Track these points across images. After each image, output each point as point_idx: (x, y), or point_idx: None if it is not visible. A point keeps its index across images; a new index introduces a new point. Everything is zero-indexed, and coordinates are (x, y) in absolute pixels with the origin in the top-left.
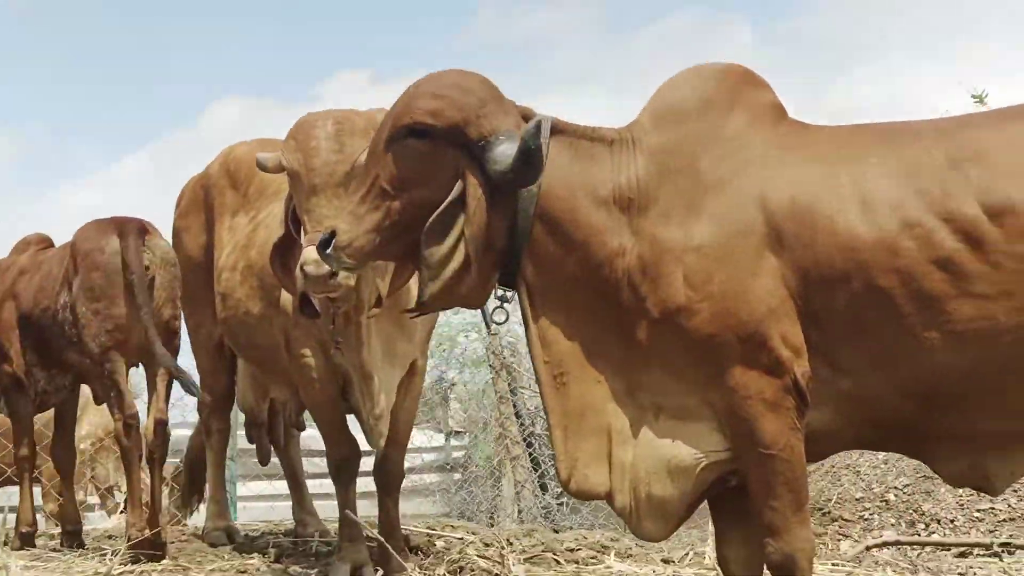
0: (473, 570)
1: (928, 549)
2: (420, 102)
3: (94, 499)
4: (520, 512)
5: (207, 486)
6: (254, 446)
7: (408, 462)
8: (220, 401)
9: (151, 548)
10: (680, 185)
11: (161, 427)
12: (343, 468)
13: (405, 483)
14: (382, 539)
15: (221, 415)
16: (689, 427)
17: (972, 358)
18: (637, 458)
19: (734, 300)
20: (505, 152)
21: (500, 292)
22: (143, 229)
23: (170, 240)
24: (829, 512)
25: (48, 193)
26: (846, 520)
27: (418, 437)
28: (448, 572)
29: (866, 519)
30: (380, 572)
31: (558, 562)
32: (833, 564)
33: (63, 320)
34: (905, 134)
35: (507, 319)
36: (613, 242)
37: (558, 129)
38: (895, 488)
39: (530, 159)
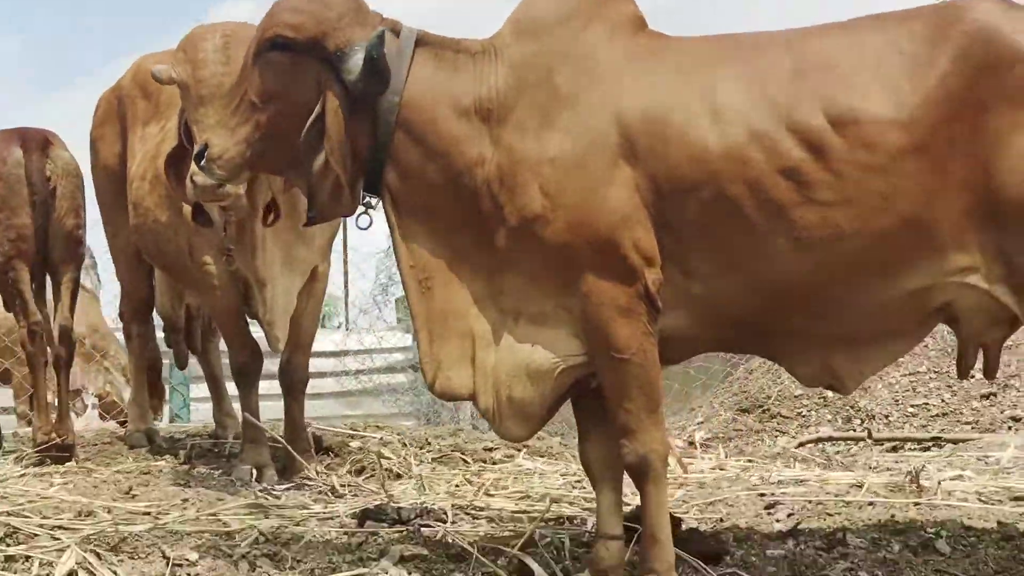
0: (375, 469)
1: (860, 444)
2: (282, 16)
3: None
4: (472, 414)
5: (131, 389)
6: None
7: (365, 362)
8: (139, 306)
9: (58, 451)
10: (537, 97)
11: (66, 334)
12: (244, 373)
13: (367, 384)
14: (283, 441)
15: (141, 320)
16: (547, 332)
17: (816, 264)
18: (499, 361)
19: (587, 210)
20: (357, 62)
21: (366, 199)
22: (46, 140)
23: (88, 150)
24: (768, 409)
25: (51, 92)
26: (784, 417)
27: (392, 338)
28: (350, 472)
29: (804, 416)
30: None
31: (466, 461)
32: (748, 461)
33: None
34: (758, 44)
35: (371, 224)
36: (473, 151)
37: (424, 41)
38: None
39: (374, 68)
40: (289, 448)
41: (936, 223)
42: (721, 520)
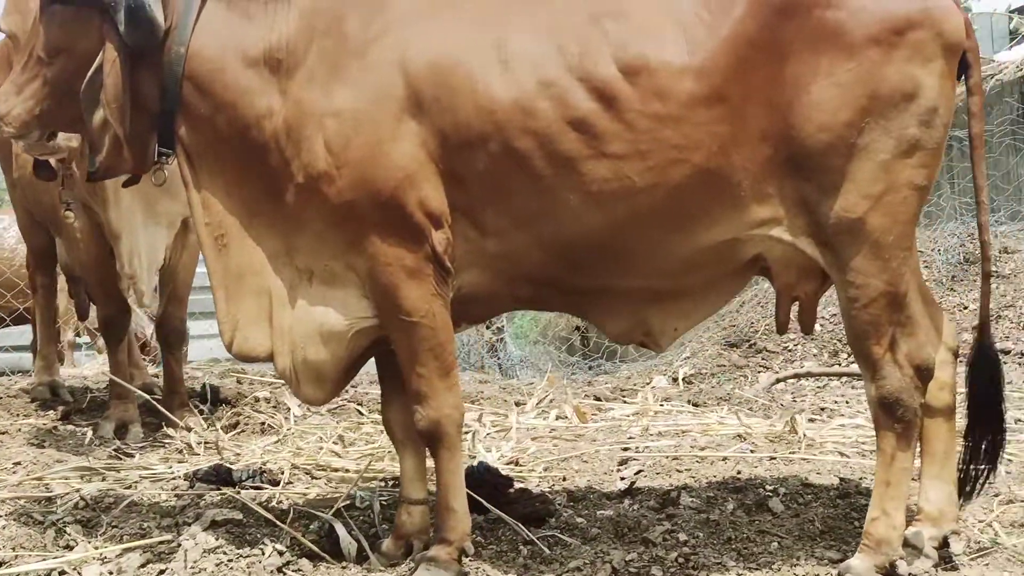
0: (250, 419)
1: (842, 380)
2: None
3: (84, 339)
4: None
5: (39, 341)
6: None
7: None
8: (41, 257)
9: None
10: (326, 47)
11: None
12: (110, 327)
13: None
14: (148, 396)
15: (44, 271)
16: (337, 293)
17: (610, 218)
18: (294, 321)
19: (371, 167)
20: None
21: (163, 154)
22: None
23: None
24: (755, 344)
25: None
26: (770, 352)
27: None
28: (226, 427)
29: (790, 350)
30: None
31: (360, 413)
32: (688, 404)
33: None
34: None
35: (165, 180)
36: (261, 104)
37: None
38: (822, 318)
39: (134, 18)
40: (155, 404)
41: (734, 175)
42: (564, 478)
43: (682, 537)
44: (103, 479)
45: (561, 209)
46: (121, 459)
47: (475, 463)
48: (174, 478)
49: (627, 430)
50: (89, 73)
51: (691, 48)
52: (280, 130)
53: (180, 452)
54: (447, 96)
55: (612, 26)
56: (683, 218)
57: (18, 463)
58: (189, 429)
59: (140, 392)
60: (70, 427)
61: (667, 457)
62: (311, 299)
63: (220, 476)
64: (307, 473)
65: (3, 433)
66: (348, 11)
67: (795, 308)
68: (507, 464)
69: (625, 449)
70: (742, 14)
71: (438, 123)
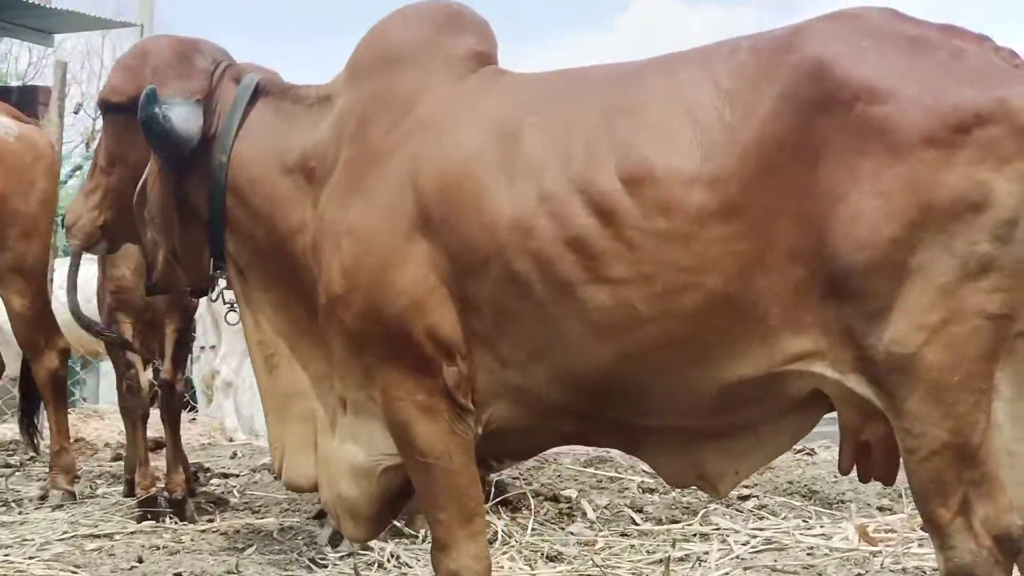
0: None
1: None
2: (110, 76)
3: None
4: None
5: None
6: None
7: None
8: None
9: (168, 507)
10: (351, 155)
11: (167, 388)
12: None
13: None
14: None
15: None
16: (365, 425)
17: (618, 351)
18: (331, 452)
19: (379, 291)
20: None
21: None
22: None
23: None
24: None
25: None
26: None
27: None
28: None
29: None
30: None
31: (635, 522)
32: None
33: None
34: (584, 82)
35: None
36: (295, 216)
37: (266, 90)
38: None
39: (148, 130)
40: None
41: (760, 301)
42: None
43: None
44: None
45: (567, 340)
46: (312, 570)
47: None
48: None
49: (875, 561)
50: (139, 186)
51: (706, 152)
52: (308, 246)
53: (372, 566)
54: (455, 213)
55: (621, 124)
56: (701, 352)
57: (179, 573)
58: None
59: None
60: (311, 528)
61: None
62: (344, 430)
63: None
64: None
65: (234, 534)
66: (375, 114)
67: None
68: None
69: None
70: (769, 112)
71: (448, 243)
